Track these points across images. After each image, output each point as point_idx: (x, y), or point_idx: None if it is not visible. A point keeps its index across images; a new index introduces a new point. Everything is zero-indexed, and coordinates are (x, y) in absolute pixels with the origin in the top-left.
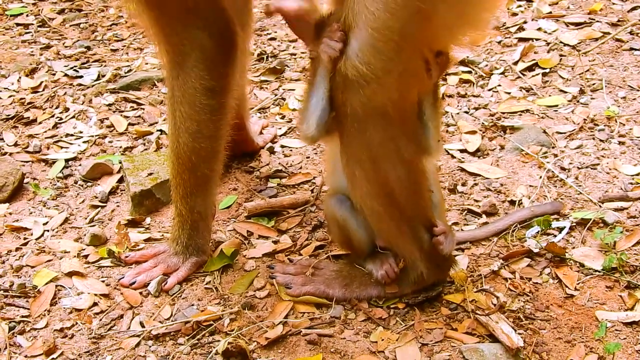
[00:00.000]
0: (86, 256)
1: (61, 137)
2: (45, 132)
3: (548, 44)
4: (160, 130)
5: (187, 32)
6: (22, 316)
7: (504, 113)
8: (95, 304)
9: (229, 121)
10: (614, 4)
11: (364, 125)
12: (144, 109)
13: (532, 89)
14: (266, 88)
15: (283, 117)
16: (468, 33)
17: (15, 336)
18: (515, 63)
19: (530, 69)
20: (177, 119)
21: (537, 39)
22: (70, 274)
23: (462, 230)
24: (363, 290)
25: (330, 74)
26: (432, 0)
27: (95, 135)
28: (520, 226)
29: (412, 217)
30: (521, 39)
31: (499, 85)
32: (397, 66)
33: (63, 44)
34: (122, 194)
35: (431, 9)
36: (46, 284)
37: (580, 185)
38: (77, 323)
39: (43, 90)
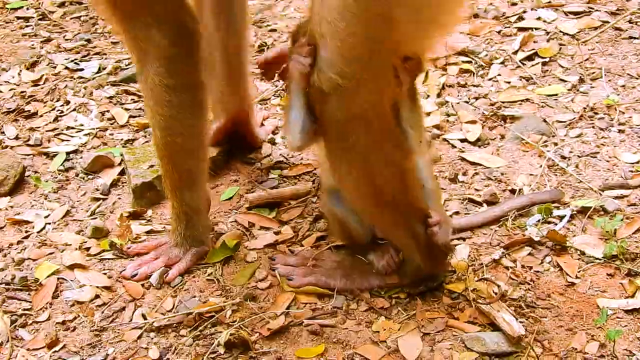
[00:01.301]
0: (88, 249)
1: (62, 130)
2: (46, 125)
3: (547, 33)
4: None
5: (142, 29)
6: (24, 309)
7: (504, 102)
8: (97, 297)
9: (201, 118)
10: None
11: (345, 132)
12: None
13: (532, 78)
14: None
15: (284, 108)
16: (433, 37)
17: (17, 329)
18: (515, 52)
19: (529, 58)
20: (150, 114)
21: (536, 29)
22: (72, 267)
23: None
24: (364, 280)
25: (304, 89)
26: (388, 4)
27: (96, 128)
28: (521, 215)
29: (404, 212)
30: (521, 29)
31: (499, 75)
32: (369, 72)
33: (64, 37)
34: (123, 186)
35: (388, 13)
36: (48, 276)
37: (580, 174)
38: (79, 315)
39: (44, 83)
